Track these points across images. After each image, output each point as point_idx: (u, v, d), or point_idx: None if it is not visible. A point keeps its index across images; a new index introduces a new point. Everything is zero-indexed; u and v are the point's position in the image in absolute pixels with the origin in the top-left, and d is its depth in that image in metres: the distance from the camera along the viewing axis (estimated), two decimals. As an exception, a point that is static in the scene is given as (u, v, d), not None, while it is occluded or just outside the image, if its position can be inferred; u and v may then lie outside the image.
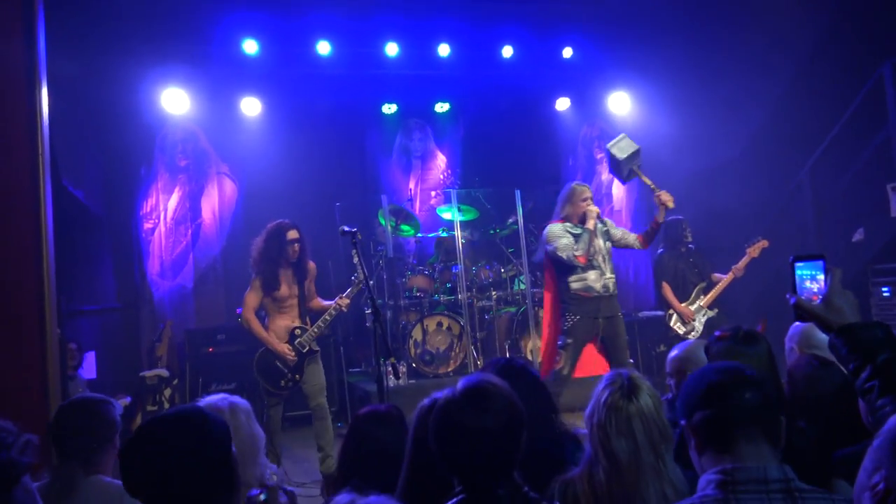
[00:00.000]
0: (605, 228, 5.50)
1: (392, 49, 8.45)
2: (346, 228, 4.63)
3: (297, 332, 5.23)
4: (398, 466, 2.07)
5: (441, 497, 1.71)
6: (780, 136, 8.02)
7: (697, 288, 6.37)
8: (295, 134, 8.43)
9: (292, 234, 5.19)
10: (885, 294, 6.75)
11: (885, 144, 6.99)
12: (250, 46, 7.99)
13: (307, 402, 5.27)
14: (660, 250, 7.09)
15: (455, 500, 1.66)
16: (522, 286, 7.51)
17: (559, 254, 5.26)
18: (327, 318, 5.26)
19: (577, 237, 5.30)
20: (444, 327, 7.04)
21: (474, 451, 1.65)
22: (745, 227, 7.27)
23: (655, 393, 2.08)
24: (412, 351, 6.91)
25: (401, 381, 6.38)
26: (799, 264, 1.63)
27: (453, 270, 7.38)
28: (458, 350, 7.01)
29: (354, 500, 1.30)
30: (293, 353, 5.14)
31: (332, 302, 5.28)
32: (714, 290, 6.35)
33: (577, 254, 5.23)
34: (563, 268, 5.35)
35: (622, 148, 5.43)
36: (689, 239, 6.59)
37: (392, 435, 2.38)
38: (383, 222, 7.35)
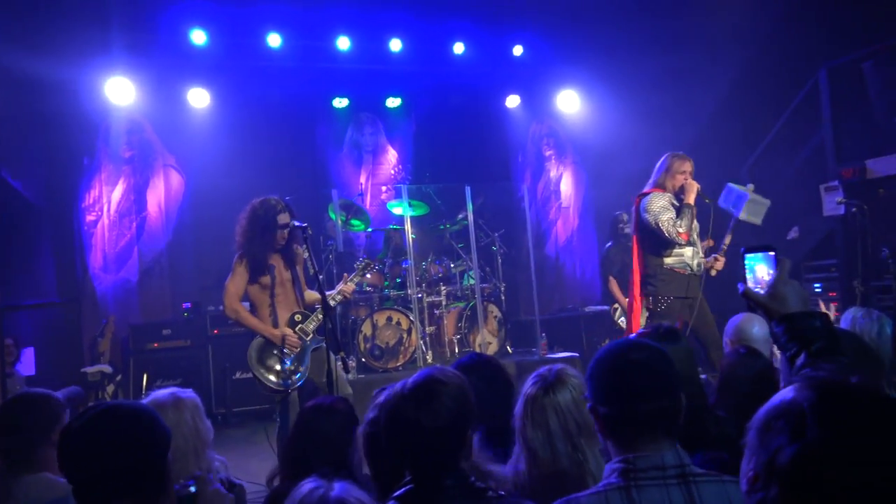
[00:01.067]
0: None
1: (343, 43, 8.43)
2: (296, 223, 4.60)
3: (298, 317, 4.71)
4: (343, 458, 2.09)
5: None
6: (722, 137, 8.26)
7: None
8: (244, 126, 8.30)
9: (283, 219, 4.64)
10: (816, 290, 7.05)
11: (819, 147, 7.28)
12: (199, 37, 7.86)
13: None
14: (608, 244, 7.25)
15: (403, 489, 1.72)
16: (472, 281, 7.58)
17: (660, 226, 4.89)
18: (331, 303, 4.72)
19: (678, 211, 4.99)
20: (394, 322, 7.05)
21: (419, 444, 1.71)
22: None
23: (581, 388, 2.11)
24: (362, 346, 6.91)
25: (350, 376, 6.37)
26: (749, 255, 1.66)
27: (403, 265, 7.40)
28: (407, 345, 7.04)
29: (320, 486, 1.32)
30: (295, 335, 4.63)
31: (334, 290, 4.89)
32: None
33: (680, 231, 4.88)
34: (658, 240, 5.01)
35: (752, 213, 4.99)
36: (627, 231, 6.66)
37: (337, 427, 2.40)
38: (333, 217, 7.32)
